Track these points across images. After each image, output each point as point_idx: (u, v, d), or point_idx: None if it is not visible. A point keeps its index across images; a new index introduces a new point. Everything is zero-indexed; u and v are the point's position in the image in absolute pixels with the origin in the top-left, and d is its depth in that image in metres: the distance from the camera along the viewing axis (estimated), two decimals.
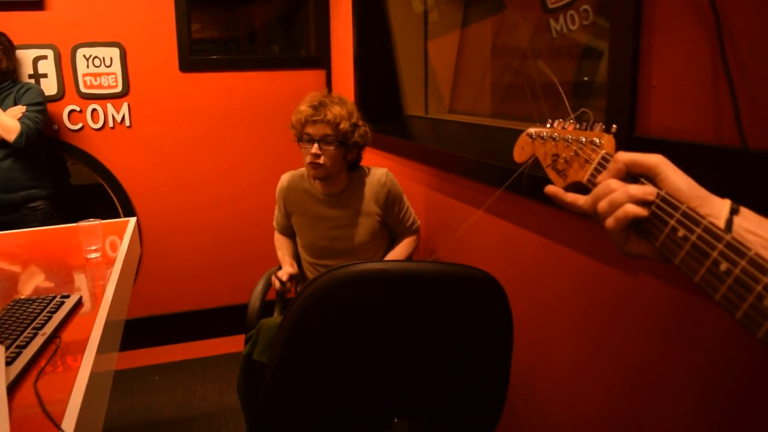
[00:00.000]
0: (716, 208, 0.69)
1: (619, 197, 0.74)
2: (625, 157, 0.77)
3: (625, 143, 1.32)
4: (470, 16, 2.86)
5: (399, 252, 2.29)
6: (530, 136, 1.01)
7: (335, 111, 2.08)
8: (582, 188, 0.91)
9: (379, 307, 1.23)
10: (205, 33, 4.10)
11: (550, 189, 0.89)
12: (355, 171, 2.24)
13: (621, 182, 0.76)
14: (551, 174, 0.94)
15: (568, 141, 0.90)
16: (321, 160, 2.07)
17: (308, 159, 2.10)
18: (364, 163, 2.29)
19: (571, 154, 0.89)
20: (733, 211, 0.68)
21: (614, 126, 0.87)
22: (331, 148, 2.08)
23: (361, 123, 2.17)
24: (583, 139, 0.87)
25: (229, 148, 3.42)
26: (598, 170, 0.84)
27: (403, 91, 3.04)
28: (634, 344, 1.37)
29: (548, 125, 0.99)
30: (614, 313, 1.43)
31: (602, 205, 0.76)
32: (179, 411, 2.97)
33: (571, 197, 0.85)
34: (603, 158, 0.84)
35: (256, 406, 1.77)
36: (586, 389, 1.55)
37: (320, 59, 3.45)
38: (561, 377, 1.65)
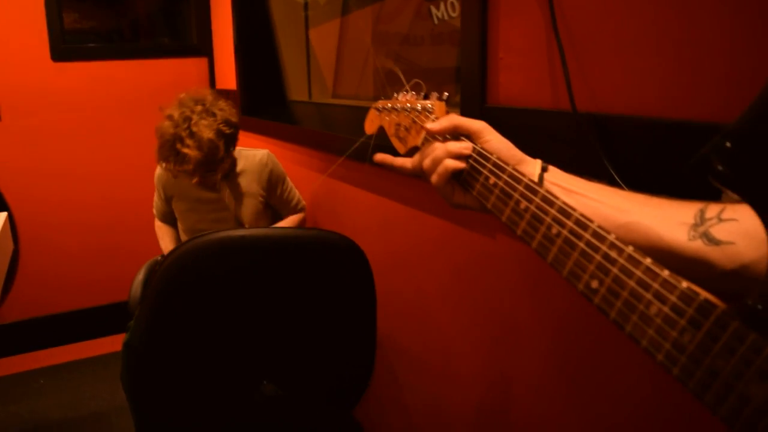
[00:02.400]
0: (530, 166, 0.80)
1: (439, 153, 0.83)
2: (455, 117, 0.87)
3: (477, 113, 1.41)
4: (351, 4, 2.91)
5: (282, 225, 2.30)
6: (377, 109, 1.08)
7: (196, 157, 1.96)
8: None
9: (242, 273, 1.26)
10: (85, 23, 3.93)
11: (378, 157, 0.98)
12: (234, 152, 2.24)
13: (443, 143, 0.85)
14: (395, 142, 1.02)
15: (407, 110, 0.97)
16: (209, 180, 2.08)
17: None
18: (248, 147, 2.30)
19: (410, 121, 0.96)
20: (544, 169, 0.79)
21: (446, 93, 0.94)
22: (213, 170, 2.06)
23: (229, 121, 2.07)
24: (419, 107, 0.94)
25: (109, 138, 3.30)
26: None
27: (286, 77, 3.05)
28: (496, 301, 1.48)
29: (394, 98, 1.06)
30: (478, 274, 1.53)
31: (426, 162, 0.86)
32: (68, 412, 2.87)
33: (400, 161, 0.94)
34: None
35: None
36: (459, 348, 1.64)
37: (202, 47, 3.40)
38: (436, 340, 1.74)
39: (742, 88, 0.92)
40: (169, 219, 2.37)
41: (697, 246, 0.65)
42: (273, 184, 2.24)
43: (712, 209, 0.67)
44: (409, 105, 0.97)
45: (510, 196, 0.72)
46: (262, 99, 2.98)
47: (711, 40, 0.95)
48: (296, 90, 3.07)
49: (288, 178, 2.31)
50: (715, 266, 0.64)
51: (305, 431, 1.46)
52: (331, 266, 1.33)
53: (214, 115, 2.02)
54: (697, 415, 1.00)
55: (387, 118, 1.04)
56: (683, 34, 0.99)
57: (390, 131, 1.03)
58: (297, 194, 2.35)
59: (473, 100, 1.42)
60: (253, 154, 2.25)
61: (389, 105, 1.04)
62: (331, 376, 1.44)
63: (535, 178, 0.76)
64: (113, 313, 3.41)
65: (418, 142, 0.93)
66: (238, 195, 2.21)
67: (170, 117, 2.00)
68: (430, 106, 0.93)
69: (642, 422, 1.14)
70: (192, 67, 3.37)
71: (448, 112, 0.93)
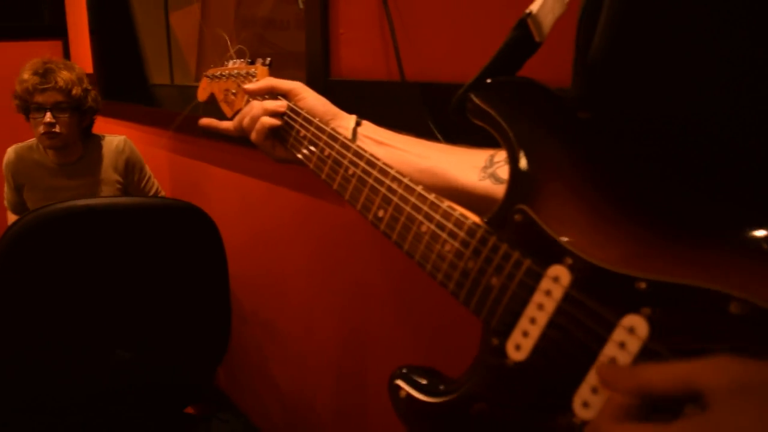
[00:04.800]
0: (345, 121, 0.87)
1: (257, 111, 0.89)
2: (272, 79, 0.93)
3: (322, 87, 1.48)
4: None
5: None
6: (208, 77, 1.12)
7: (65, 76, 2.02)
8: None
9: (89, 243, 1.26)
10: None
11: (203, 121, 1.02)
12: (89, 138, 2.19)
13: (260, 102, 0.90)
14: (223, 107, 1.06)
15: (234, 76, 1.02)
16: (56, 129, 2.00)
17: (41, 129, 2.01)
18: (104, 132, 2.25)
19: (236, 86, 1.01)
20: (357, 123, 0.87)
21: (268, 59, 1.00)
22: (65, 115, 2.02)
23: (90, 87, 2.13)
24: (244, 72, 0.99)
25: None
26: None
27: (147, 60, 3.00)
28: (348, 264, 1.57)
29: (224, 65, 1.10)
30: (332, 241, 1.61)
31: (246, 121, 0.91)
32: None
33: (225, 124, 0.98)
34: None
35: None
36: (318, 313, 1.72)
37: (56, 29, 3.24)
38: (297, 308, 1.81)
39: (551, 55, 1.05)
40: (22, 211, 2.26)
41: (486, 185, 0.75)
42: (130, 171, 2.21)
43: (501, 154, 0.77)
44: (236, 71, 1.02)
45: (316, 145, 0.80)
46: (121, 83, 2.91)
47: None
48: (157, 74, 3.01)
49: (146, 167, 2.27)
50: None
51: (160, 398, 1.47)
52: (177, 232, 1.36)
53: (73, 68, 2.10)
54: None
55: (217, 84, 1.08)
56: (493, 11, 1.11)
57: (219, 97, 1.07)
58: (156, 184, 2.31)
59: (317, 74, 1.49)
60: (109, 140, 2.21)
61: (218, 72, 1.08)
62: (187, 342, 1.46)
63: (349, 132, 0.84)
64: None
65: (242, 105, 0.98)
66: (95, 182, 2.15)
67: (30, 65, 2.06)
68: (253, 71, 0.98)
69: None
70: (45, 50, 3.18)
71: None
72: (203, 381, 1.56)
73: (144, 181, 2.26)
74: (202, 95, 1.13)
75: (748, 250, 0.48)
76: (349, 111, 0.91)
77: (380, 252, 1.46)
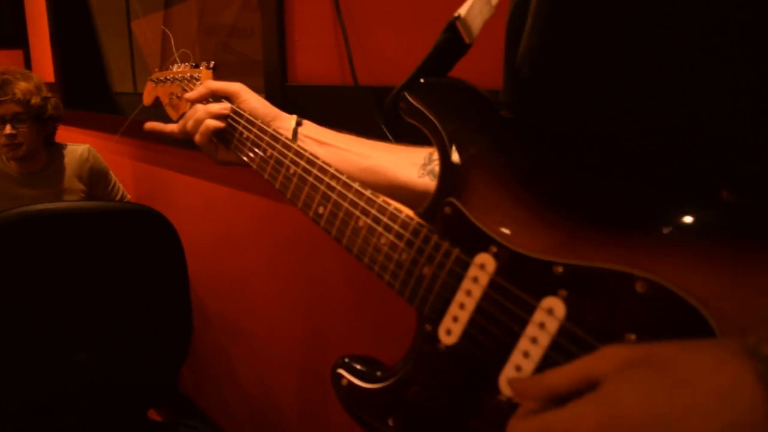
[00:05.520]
0: (286, 122, 0.88)
1: (200, 114, 0.90)
2: (212, 83, 0.93)
3: (279, 93, 1.51)
4: None
5: None
6: (153, 81, 1.13)
7: (22, 87, 2.01)
8: None
9: (45, 247, 1.27)
10: None
11: (148, 125, 1.02)
12: (53, 147, 2.18)
13: (204, 105, 0.91)
14: (169, 110, 1.07)
15: (178, 80, 1.03)
16: (18, 140, 2.00)
17: (2, 141, 2.01)
18: (67, 141, 2.25)
19: (180, 90, 1.02)
20: (298, 123, 0.88)
21: (212, 62, 1.01)
22: (25, 125, 2.01)
23: (50, 95, 2.12)
24: (188, 76, 1.01)
25: None
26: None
27: (109, 69, 2.99)
28: (310, 266, 1.59)
29: (168, 69, 1.11)
30: (293, 242, 1.63)
31: (189, 124, 0.91)
32: None
33: (170, 127, 0.99)
34: None
35: None
36: (281, 314, 1.74)
37: (16, 38, 3.21)
38: (260, 310, 1.82)
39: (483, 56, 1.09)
40: None
41: (425, 182, 0.79)
42: (94, 179, 2.20)
43: None
44: (180, 75, 1.03)
45: (259, 146, 0.82)
46: (83, 91, 2.89)
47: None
48: (120, 82, 3.00)
49: (111, 173, 2.27)
50: None
51: (122, 401, 1.48)
52: (134, 235, 1.37)
53: (31, 78, 2.08)
54: None
55: (161, 88, 1.09)
56: (442, 18, 1.15)
57: (165, 101, 1.08)
58: (122, 189, 2.31)
59: (275, 81, 1.51)
60: (73, 149, 2.21)
61: (163, 76, 1.09)
62: (147, 345, 1.47)
63: (290, 132, 0.86)
64: None
65: (187, 108, 0.99)
66: (58, 192, 2.14)
67: None
68: (197, 74, 1.00)
69: None
70: (5, 59, 3.18)
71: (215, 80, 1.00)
72: (165, 383, 1.56)
73: (110, 188, 2.25)
74: (147, 99, 1.14)
75: (661, 234, 0.51)
76: (306, 115, 0.92)
77: (342, 253, 1.48)
